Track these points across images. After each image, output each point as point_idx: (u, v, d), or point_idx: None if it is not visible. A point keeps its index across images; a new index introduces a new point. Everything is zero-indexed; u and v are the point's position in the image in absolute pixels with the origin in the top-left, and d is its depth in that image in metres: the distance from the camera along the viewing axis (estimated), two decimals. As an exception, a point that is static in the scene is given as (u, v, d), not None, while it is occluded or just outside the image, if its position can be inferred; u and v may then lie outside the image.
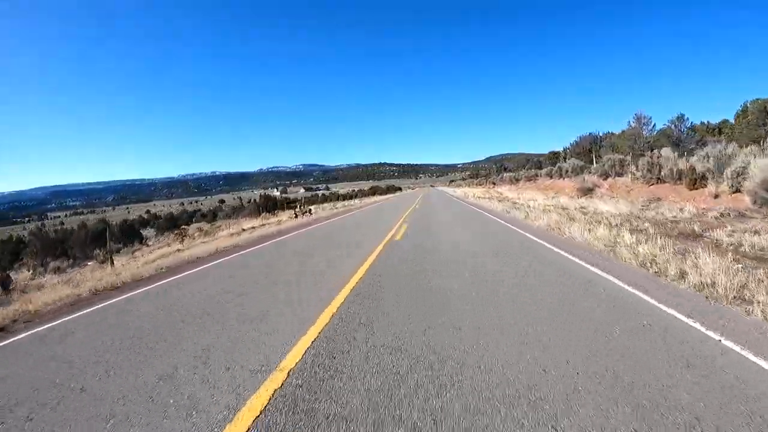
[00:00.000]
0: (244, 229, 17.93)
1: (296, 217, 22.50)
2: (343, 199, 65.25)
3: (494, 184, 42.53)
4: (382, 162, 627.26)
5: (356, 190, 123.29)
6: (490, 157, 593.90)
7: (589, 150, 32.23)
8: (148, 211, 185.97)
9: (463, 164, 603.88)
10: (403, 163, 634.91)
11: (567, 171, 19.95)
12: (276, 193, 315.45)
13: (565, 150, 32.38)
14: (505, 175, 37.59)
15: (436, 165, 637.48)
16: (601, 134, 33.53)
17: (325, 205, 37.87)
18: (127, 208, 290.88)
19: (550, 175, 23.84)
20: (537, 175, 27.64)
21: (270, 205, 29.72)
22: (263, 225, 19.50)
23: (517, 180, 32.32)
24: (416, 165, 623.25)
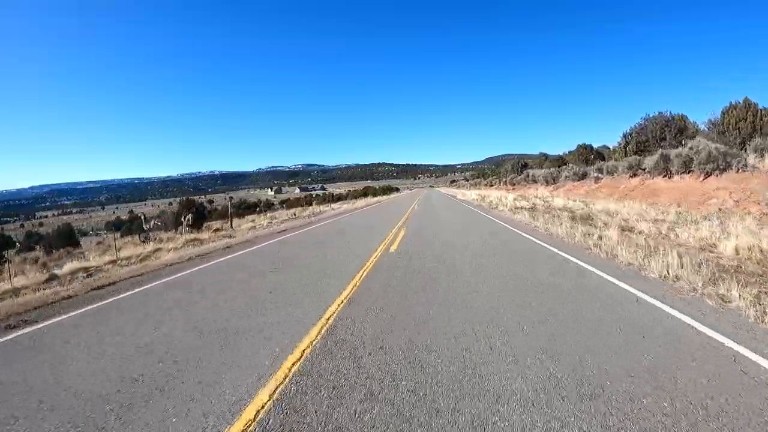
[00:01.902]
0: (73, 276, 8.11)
1: (183, 234, 12.80)
2: (330, 202, 55.98)
3: (513, 185, 32.93)
4: (381, 162, 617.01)
5: (348, 191, 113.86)
6: (490, 157, 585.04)
7: (660, 137, 22.55)
8: (131, 212, 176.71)
9: (462, 165, 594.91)
10: (402, 163, 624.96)
11: (698, 163, 10.34)
12: (270, 193, 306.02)
13: (626, 137, 22.71)
14: (534, 173, 27.70)
15: (435, 165, 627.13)
16: (670, 114, 23.86)
17: (291, 212, 28.13)
18: (116, 207, 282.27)
19: (633, 172, 14.27)
20: (599, 172, 17.97)
21: (195, 216, 20.05)
22: (115, 262, 9.79)
23: (554, 179, 22.69)
24: (415, 165, 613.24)
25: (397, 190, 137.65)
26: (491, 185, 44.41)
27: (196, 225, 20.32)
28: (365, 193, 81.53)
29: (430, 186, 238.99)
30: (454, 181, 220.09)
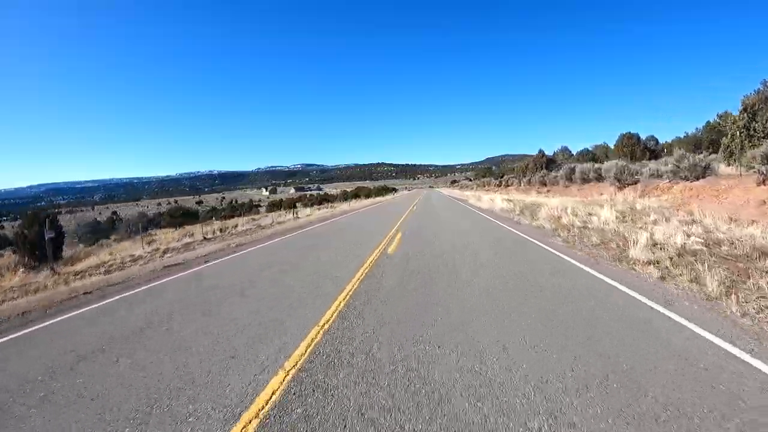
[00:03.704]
0: None
1: None
2: (316, 204, 48.00)
3: (545, 185, 24.64)
4: (380, 162, 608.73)
5: (341, 191, 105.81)
6: (490, 158, 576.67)
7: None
8: (114, 213, 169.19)
9: (462, 165, 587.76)
10: (401, 163, 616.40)
11: None
12: (265, 193, 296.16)
13: (748, 110, 14.37)
14: (585, 168, 19.00)
15: (435, 166, 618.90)
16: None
17: (234, 222, 19.82)
18: (106, 207, 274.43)
19: None
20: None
21: (27, 242, 11.55)
22: None
23: (632, 178, 14.42)
24: (414, 165, 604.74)
25: (394, 190, 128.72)
26: (507, 185, 35.83)
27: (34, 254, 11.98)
28: (356, 194, 73.21)
29: (430, 186, 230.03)
30: (455, 181, 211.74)
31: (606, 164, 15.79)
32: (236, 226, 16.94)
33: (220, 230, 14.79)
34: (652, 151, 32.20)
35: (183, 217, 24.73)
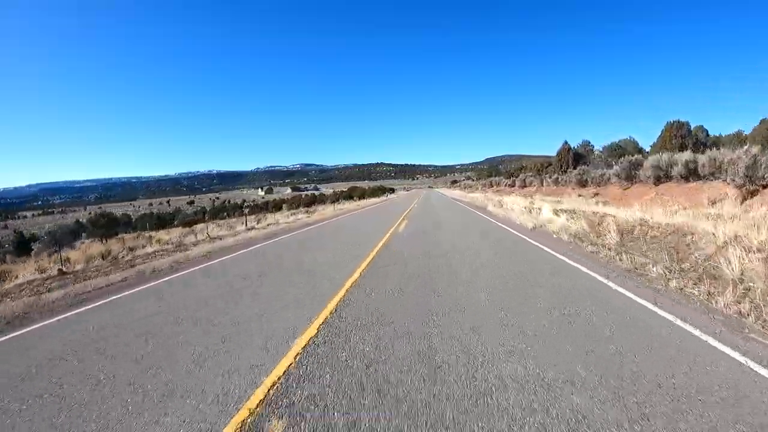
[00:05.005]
0: None
1: None
2: (303, 205, 42.73)
3: (584, 185, 19.05)
4: (380, 162, 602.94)
5: (335, 191, 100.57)
6: (489, 158, 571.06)
7: None
8: (102, 213, 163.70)
9: (461, 165, 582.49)
10: (401, 163, 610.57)
11: None
12: (261, 193, 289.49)
13: None
14: (660, 160, 13.08)
15: (434, 166, 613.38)
16: None
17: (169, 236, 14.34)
18: (99, 207, 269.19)
19: None
20: None
21: None
22: None
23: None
24: (414, 165, 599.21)
25: (391, 191, 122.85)
26: (524, 185, 30.06)
27: None
28: (349, 195, 67.61)
29: (429, 187, 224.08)
30: (455, 181, 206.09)
31: (736, 153, 9.81)
32: (146, 246, 11.33)
33: (102, 257, 9.24)
34: (704, 144, 26.73)
35: (106, 228, 19.10)
